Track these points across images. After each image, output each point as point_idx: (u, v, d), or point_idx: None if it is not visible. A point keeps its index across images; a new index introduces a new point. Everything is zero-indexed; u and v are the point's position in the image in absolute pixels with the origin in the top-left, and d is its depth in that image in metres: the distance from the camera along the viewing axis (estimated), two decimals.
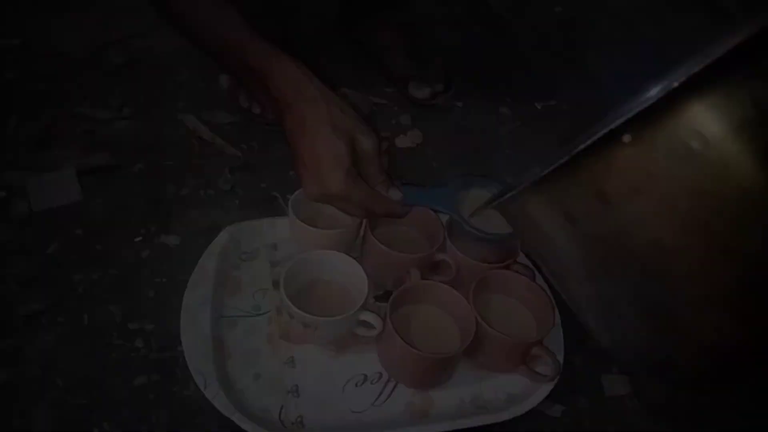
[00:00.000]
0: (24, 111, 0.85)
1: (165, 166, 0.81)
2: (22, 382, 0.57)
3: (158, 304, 0.64)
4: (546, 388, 0.61)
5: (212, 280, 0.65)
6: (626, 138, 0.35)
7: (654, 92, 0.33)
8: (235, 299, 0.66)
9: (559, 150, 0.39)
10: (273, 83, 0.59)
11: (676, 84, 0.32)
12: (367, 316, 0.59)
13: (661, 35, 1.18)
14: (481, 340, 0.60)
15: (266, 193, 0.79)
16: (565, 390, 0.64)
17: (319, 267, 0.64)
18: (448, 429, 0.58)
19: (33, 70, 0.92)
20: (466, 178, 0.67)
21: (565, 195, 0.40)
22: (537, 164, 0.41)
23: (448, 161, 0.91)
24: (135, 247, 0.70)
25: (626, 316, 0.41)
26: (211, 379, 0.56)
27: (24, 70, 0.92)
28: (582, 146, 0.36)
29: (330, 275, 0.65)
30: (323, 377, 0.61)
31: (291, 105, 0.58)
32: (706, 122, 0.34)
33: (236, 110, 0.89)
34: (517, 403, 0.60)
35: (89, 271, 0.67)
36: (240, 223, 0.71)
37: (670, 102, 0.33)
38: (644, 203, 0.36)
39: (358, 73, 1.04)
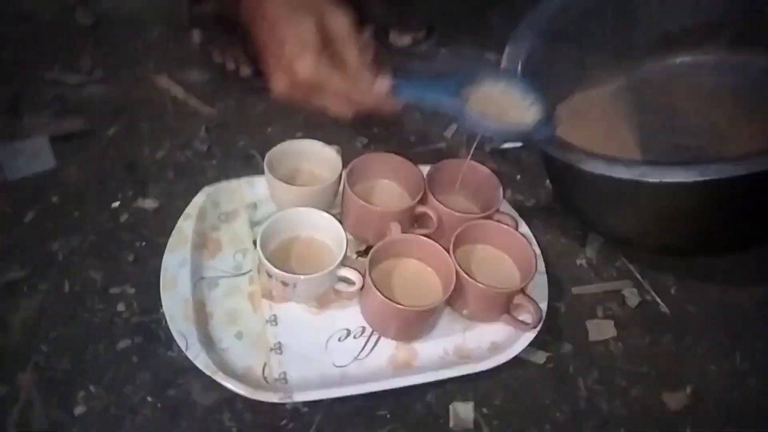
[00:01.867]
0: None
1: (140, 128, 0.79)
2: (5, 349, 0.57)
3: (138, 268, 0.64)
4: (528, 336, 0.61)
5: (190, 242, 0.64)
6: None
7: None
8: (215, 260, 0.65)
9: None
10: None
11: None
12: (347, 272, 0.59)
13: None
14: (463, 291, 0.60)
15: (244, 151, 0.78)
16: (549, 337, 0.64)
17: (297, 224, 0.63)
18: (431, 379, 0.58)
19: (1, 36, 0.89)
20: (476, 69, 0.63)
21: None
22: None
23: (435, 113, 0.89)
24: (113, 212, 0.69)
25: None
26: (193, 340, 0.56)
27: None
28: None
29: (308, 232, 0.64)
30: (306, 333, 0.61)
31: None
32: None
33: (210, 67, 0.87)
34: (500, 351, 0.61)
35: (68, 238, 0.66)
36: (218, 184, 0.70)
37: None
38: None
39: None
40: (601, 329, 0.66)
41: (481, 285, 0.59)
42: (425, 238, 0.62)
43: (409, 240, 0.62)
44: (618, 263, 0.73)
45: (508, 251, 0.66)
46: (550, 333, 0.65)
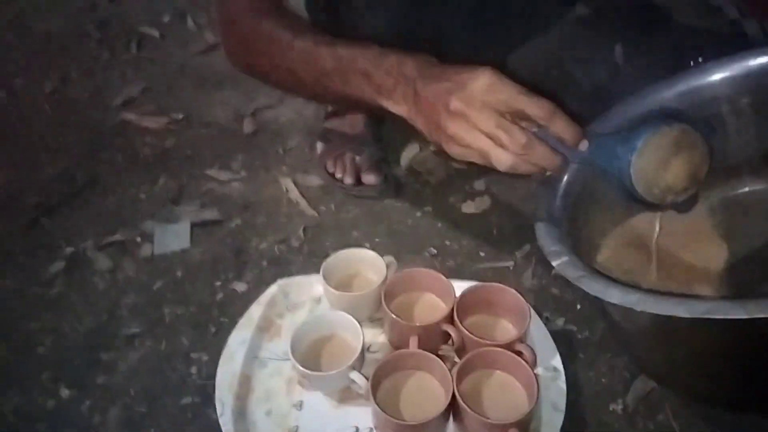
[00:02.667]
0: (171, 172, 1.09)
1: (256, 222, 0.98)
2: (108, 388, 0.76)
3: (216, 340, 0.80)
4: None
5: (254, 325, 0.78)
6: None
7: None
8: (272, 343, 0.78)
9: None
10: (374, 75, 0.65)
11: None
12: (355, 376, 0.67)
13: None
14: (462, 416, 0.64)
15: (327, 251, 0.91)
16: None
17: (331, 324, 0.73)
18: None
19: (187, 138, 1.17)
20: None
21: None
22: None
23: (511, 231, 0.94)
24: (213, 290, 0.87)
25: None
26: (228, 409, 0.69)
27: (180, 138, 1.17)
28: None
29: (341, 332, 0.74)
30: (321, 423, 0.69)
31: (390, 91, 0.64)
32: None
33: (325, 175, 1.04)
34: None
35: (177, 306, 0.85)
36: (291, 278, 0.83)
37: None
38: None
39: None
40: None
41: (474, 414, 0.62)
42: (433, 356, 0.67)
43: (418, 355, 0.68)
44: (660, 416, 0.69)
45: (522, 381, 0.67)
46: None
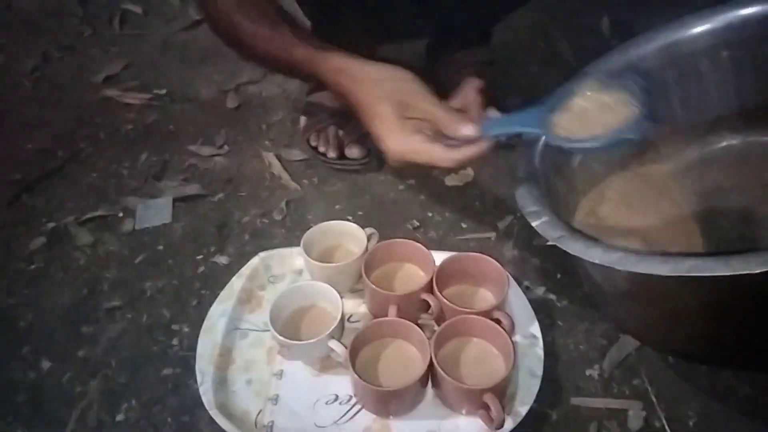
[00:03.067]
0: (153, 148, 1.08)
1: (238, 196, 0.97)
2: (89, 359, 0.76)
3: (197, 312, 0.79)
4: None
5: (235, 297, 0.78)
6: None
7: None
8: (253, 315, 0.78)
9: None
10: (327, 81, 0.70)
11: None
12: (333, 345, 0.67)
13: None
14: (440, 382, 0.65)
15: (310, 224, 0.91)
16: None
17: (312, 295, 0.74)
18: None
19: (169, 114, 1.17)
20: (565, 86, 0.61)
21: None
22: None
23: (493, 202, 0.94)
24: (195, 264, 0.87)
25: None
26: (208, 379, 0.69)
27: (162, 113, 1.16)
28: None
29: (322, 303, 0.74)
30: (301, 391, 0.70)
31: (343, 93, 0.69)
32: None
33: (308, 149, 1.03)
34: None
35: (158, 280, 0.85)
36: (272, 251, 0.83)
37: None
38: None
39: None
40: None
41: (451, 380, 0.63)
42: (411, 324, 0.68)
43: (397, 323, 0.69)
44: (636, 381, 0.70)
45: (499, 348, 0.68)
46: None
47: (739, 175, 0.72)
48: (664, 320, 0.62)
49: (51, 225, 0.94)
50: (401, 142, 0.65)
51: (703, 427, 0.65)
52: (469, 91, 0.69)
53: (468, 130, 0.64)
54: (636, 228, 0.69)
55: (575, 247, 0.57)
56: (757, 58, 0.69)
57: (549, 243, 0.84)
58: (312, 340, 0.67)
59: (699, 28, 0.69)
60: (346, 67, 0.68)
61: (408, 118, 0.65)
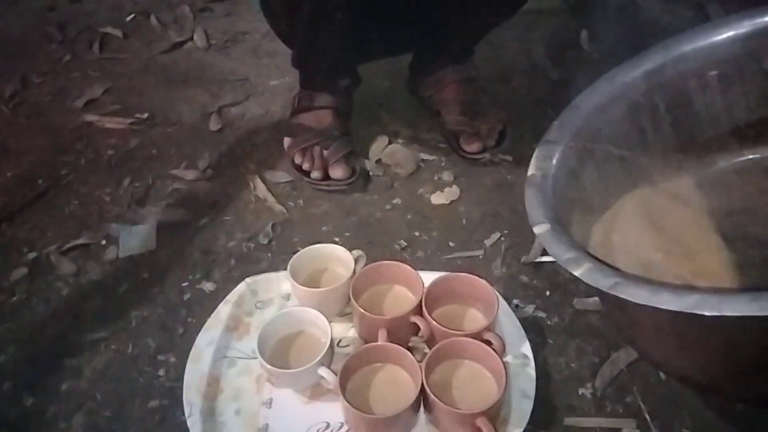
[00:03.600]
0: (136, 173, 1.07)
1: (223, 220, 0.96)
2: (72, 392, 0.74)
3: (184, 341, 0.78)
4: None
5: (222, 325, 0.77)
6: None
7: None
8: (241, 342, 0.77)
9: None
10: None
11: None
12: (323, 372, 0.66)
13: None
14: (432, 406, 0.64)
15: (296, 248, 0.90)
16: None
17: (299, 321, 0.73)
18: None
19: (152, 138, 1.15)
20: None
21: None
22: None
23: (479, 220, 0.94)
24: (181, 291, 0.86)
25: None
26: (196, 410, 0.68)
27: (144, 138, 1.15)
28: None
29: (309, 329, 0.73)
30: (291, 420, 0.68)
31: None
32: None
33: (292, 170, 1.02)
34: None
35: (143, 309, 0.83)
36: (258, 276, 0.82)
37: None
38: None
39: (417, 128, 1.12)
40: None
41: (441, 404, 0.62)
42: (400, 348, 0.67)
43: (387, 348, 0.68)
44: (629, 399, 0.69)
45: (491, 370, 0.67)
46: None
47: (743, 198, 0.71)
48: (723, 363, 0.55)
49: (32, 255, 0.92)
50: None
51: None
52: None
53: None
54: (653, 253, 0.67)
55: (639, 295, 0.48)
56: (746, 75, 0.69)
57: (537, 260, 0.85)
58: (301, 368, 0.66)
59: (686, 48, 0.69)
60: None
61: None
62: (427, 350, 0.72)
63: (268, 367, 0.66)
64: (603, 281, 0.51)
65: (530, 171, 0.66)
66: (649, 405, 0.68)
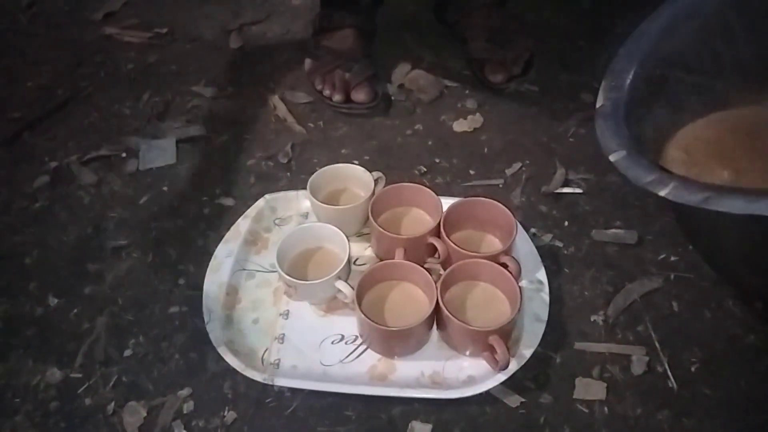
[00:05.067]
0: (156, 88, 1.06)
1: (243, 138, 0.96)
2: (96, 296, 0.76)
3: (203, 252, 0.79)
4: (500, 377, 0.64)
5: (241, 238, 0.78)
6: None
7: None
8: (259, 256, 0.78)
9: None
10: None
11: None
12: (341, 285, 0.67)
13: None
14: (446, 324, 0.65)
15: (315, 168, 0.89)
16: (533, 384, 0.66)
17: (317, 237, 0.73)
18: (397, 395, 0.64)
19: (171, 54, 1.14)
20: None
21: None
22: None
23: (502, 149, 0.93)
24: (200, 205, 0.86)
25: None
26: (214, 317, 0.70)
27: (164, 53, 1.13)
28: None
29: (328, 245, 0.74)
30: (307, 331, 0.70)
31: None
32: None
33: (313, 92, 1.01)
34: (472, 385, 0.64)
35: (163, 220, 0.84)
36: (277, 193, 0.83)
37: None
38: None
39: (441, 54, 1.09)
40: (590, 389, 0.65)
41: (456, 320, 0.63)
42: (416, 266, 0.68)
43: (404, 266, 0.69)
44: (640, 328, 0.70)
45: (505, 292, 0.68)
46: (535, 381, 0.66)
47: None
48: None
49: (54, 164, 0.93)
50: None
51: (705, 373, 0.66)
52: None
53: None
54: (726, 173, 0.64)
55: (735, 205, 0.46)
56: None
57: (557, 191, 0.84)
58: (319, 280, 0.67)
59: None
60: None
61: None
62: (442, 272, 0.72)
63: (287, 278, 0.67)
64: (692, 197, 0.49)
65: (599, 102, 0.63)
66: (659, 335, 0.69)
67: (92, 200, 0.88)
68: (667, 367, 0.66)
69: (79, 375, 0.68)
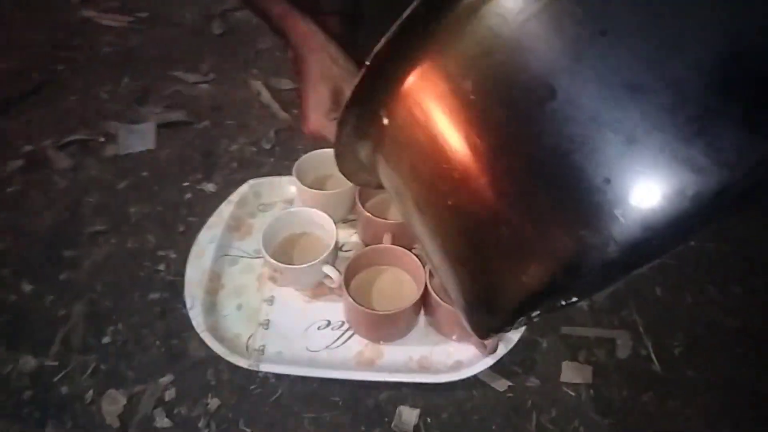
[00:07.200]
0: (135, 72, 1.04)
1: (225, 124, 0.94)
2: (73, 283, 0.74)
3: (184, 238, 0.78)
4: (487, 361, 0.63)
5: (224, 223, 0.76)
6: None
7: None
8: (243, 242, 0.77)
9: None
10: (289, 37, 0.72)
11: None
12: (328, 270, 0.66)
13: None
14: (433, 307, 0.65)
15: (299, 154, 0.88)
16: (519, 368, 0.65)
17: (303, 222, 0.72)
18: (385, 380, 0.63)
19: (151, 38, 1.11)
20: None
21: None
22: None
23: None
24: (181, 190, 0.84)
25: None
26: (197, 303, 0.68)
27: (144, 38, 1.11)
28: None
29: (313, 230, 0.73)
30: (292, 317, 0.69)
31: (299, 56, 0.71)
32: None
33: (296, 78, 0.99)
34: (460, 370, 0.64)
35: (143, 206, 0.82)
36: (261, 179, 0.81)
37: None
38: None
39: None
40: (576, 372, 0.65)
41: (444, 304, 0.62)
42: (404, 250, 0.67)
43: (391, 250, 0.68)
44: (624, 312, 0.70)
45: None
46: (522, 365, 0.66)
47: None
48: None
49: (28, 148, 0.90)
50: (321, 124, 0.68)
51: (689, 355, 0.67)
52: None
53: None
54: None
55: None
56: None
57: None
58: (306, 264, 0.66)
59: None
60: (313, 35, 0.71)
61: (337, 104, 0.69)
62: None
63: (273, 262, 0.66)
64: None
65: None
66: (643, 319, 0.70)
67: (68, 185, 0.85)
68: (650, 350, 0.67)
69: (55, 363, 0.66)
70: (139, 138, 0.92)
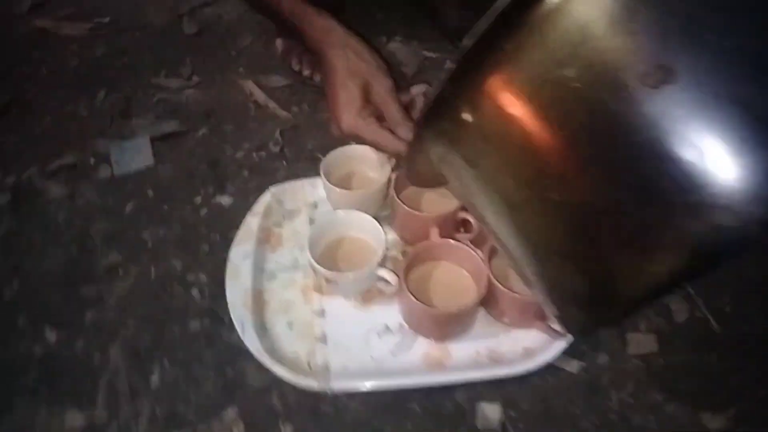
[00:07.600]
0: (110, 84, 0.96)
1: (224, 130, 0.88)
2: (101, 323, 0.68)
3: (212, 258, 0.73)
4: (560, 344, 0.63)
5: (255, 237, 0.72)
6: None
7: None
8: (276, 254, 0.73)
9: None
10: (305, 34, 0.70)
11: None
12: (384, 273, 0.64)
13: None
14: (497, 297, 0.63)
15: (313, 153, 0.84)
16: (587, 347, 0.65)
17: (345, 225, 0.69)
18: (461, 379, 0.62)
19: (119, 45, 1.03)
20: None
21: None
22: None
23: None
24: (195, 207, 0.79)
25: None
26: (249, 326, 0.64)
27: (111, 45, 1.02)
28: None
29: (355, 233, 0.70)
30: (349, 327, 0.66)
31: (319, 53, 0.69)
32: None
33: (289, 73, 0.95)
34: (533, 357, 0.63)
35: (157, 229, 0.77)
36: (283, 184, 0.77)
37: None
38: None
39: (414, 25, 1.05)
40: (642, 343, 0.66)
41: (510, 293, 0.61)
42: (460, 244, 0.65)
43: (446, 245, 0.66)
44: None
45: None
46: (588, 343, 0.66)
47: None
48: None
49: (10, 179, 0.82)
50: (355, 123, 0.66)
51: (739, 312, 0.68)
52: (417, 94, 0.71)
53: (403, 131, 0.65)
54: None
55: None
56: None
57: None
58: (362, 270, 0.63)
59: None
60: (332, 29, 0.69)
61: (368, 100, 0.66)
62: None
63: (326, 272, 0.63)
64: None
65: None
66: (691, 285, 0.71)
67: (68, 216, 0.78)
68: (705, 311, 0.68)
69: (105, 414, 0.61)
70: (133, 155, 0.85)
